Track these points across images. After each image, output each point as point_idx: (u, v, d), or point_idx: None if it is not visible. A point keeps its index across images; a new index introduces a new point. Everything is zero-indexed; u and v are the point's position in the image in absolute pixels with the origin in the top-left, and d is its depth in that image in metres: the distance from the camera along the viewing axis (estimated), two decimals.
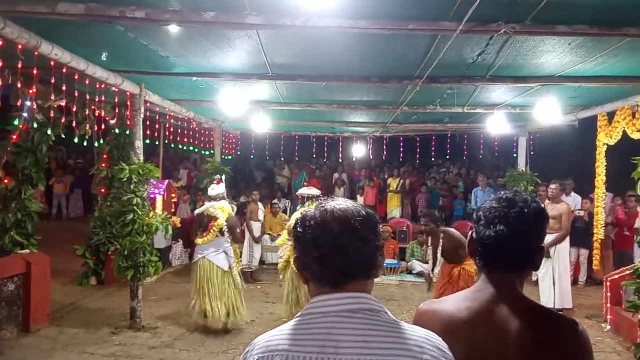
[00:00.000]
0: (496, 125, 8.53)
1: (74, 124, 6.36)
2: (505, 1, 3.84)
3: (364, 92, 7.68)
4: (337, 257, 1.18)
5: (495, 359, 1.42)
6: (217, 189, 6.59)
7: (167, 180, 10.32)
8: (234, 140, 13.56)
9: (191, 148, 11.85)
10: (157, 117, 9.60)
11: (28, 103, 5.74)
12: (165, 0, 4.10)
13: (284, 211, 11.31)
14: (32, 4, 3.98)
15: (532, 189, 9.74)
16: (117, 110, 7.21)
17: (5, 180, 6.47)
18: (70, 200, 14.96)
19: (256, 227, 9.65)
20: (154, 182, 7.89)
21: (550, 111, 6.87)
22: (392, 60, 5.75)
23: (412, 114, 9.37)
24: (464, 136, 12.56)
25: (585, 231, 8.73)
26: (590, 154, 7.96)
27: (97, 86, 6.02)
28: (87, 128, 6.74)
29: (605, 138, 7.48)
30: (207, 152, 12.04)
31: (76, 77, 5.55)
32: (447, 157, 14.55)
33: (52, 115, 6.01)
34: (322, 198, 5.78)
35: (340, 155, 13.63)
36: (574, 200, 9.51)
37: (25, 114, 5.91)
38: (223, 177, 7.41)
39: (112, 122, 7.40)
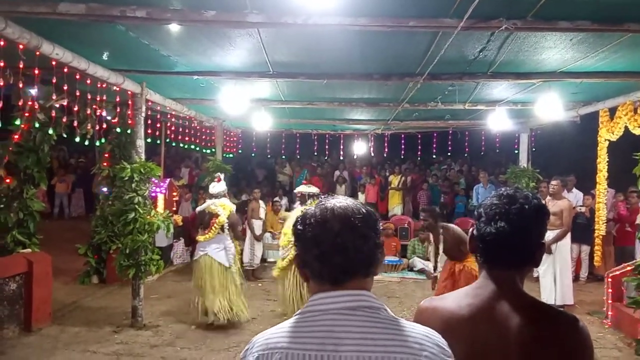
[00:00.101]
0: (498, 122, 8.52)
1: (75, 123, 6.36)
2: None
3: (365, 89, 7.67)
4: (337, 255, 1.19)
5: (496, 355, 1.42)
6: (218, 186, 6.63)
7: (168, 179, 10.33)
8: (235, 139, 13.57)
9: (192, 147, 11.86)
10: (158, 116, 9.62)
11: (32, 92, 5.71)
12: (166, 0, 4.10)
13: (286, 209, 11.32)
14: (33, 5, 3.99)
15: (534, 185, 9.73)
16: (118, 110, 7.21)
17: (7, 180, 6.49)
18: (72, 200, 14.99)
19: (257, 225, 9.66)
20: (156, 181, 7.90)
21: (551, 107, 6.86)
22: (393, 57, 5.74)
23: (413, 111, 9.36)
24: (465, 133, 12.55)
25: (586, 227, 8.72)
26: (592, 150, 7.95)
27: (99, 86, 6.03)
28: (89, 127, 6.75)
29: (607, 134, 7.46)
30: (208, 151, 12.05)
31: (77, 76, 5.56)
32: (449, 154, 14.54)
33: (53, 114, 6.02)
34: (320, 196, 5.83)
35: (341, 152, 13.63)
36: (575, 196, 9.50)
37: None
38: (222, 175, 7.43)
39: (114, 121, 7.40)
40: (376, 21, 4.21)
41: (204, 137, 11.80)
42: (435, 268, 6.00)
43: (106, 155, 8.45)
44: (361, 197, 13.34)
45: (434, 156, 15.35)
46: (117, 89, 6.28)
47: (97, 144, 7.83)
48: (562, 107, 7.24)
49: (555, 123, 8.84)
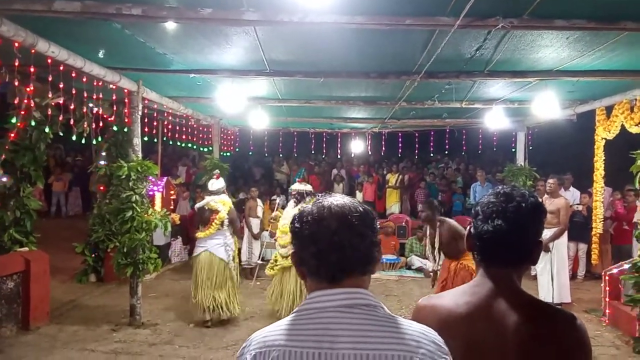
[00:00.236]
0: (495, 120, 8.53)
1: (71, 121, 6.35)
2: None
3: (362, 88, 7.67)
4: (334, 253, 1.19)
5: (494, 353, 1.42)
6: (217, 183, 6.68)
7: (165, 178, 10.31)
8: (232, 137, 13.55)
9: (190, 145, 11.84)
10: (155, 114, 9.59)
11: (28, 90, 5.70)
12: None
13: (282, 207, 11.31)
14: (29, 2, 3.97)
15: (531, 183, 9.75)
16: (115, 108, 7.20)
17: (4, 179, 6.47)
18: (69, 198, 14.96)
19: (255, 223, 9.65)
20: (153, 180, 7.88)
21: (548, 106, 6.87)
22: (390, 56, 5.74)
23: (410, 110, 9.36)
24: (462, 131, 12.55)
25: (584, 226, 8.74)
26: (589, 149, 7.97)
27: (95, 84, 6.01)
28: (85, 126, 6.73)
29: (604, 132, 7.48)
30: (205, 149, 12.03)
31: (73, 74, 5.54)
32: (446, 152, 14.56)
33: (49, 113, 6.00)
34: (313, 193, 5.83)
35: (339, 151, 13.63)
36: (572, 194, 9.52)
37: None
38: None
39: (110, 119, 7.38)
40: (373, 19, 4.21)
41: (201, 135, 11.78)
42: (435, 261, 6.00)
43: (103, 153, 8.43)
44: (359, 195, 13.35)
45: (432, 154, 15.36)
46: (114, 87, 6.26)
47: (94, 142, 7.80)
48: (559, 106, 7.25)
49: (552, 121, 8.86)
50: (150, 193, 8.49)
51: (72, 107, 6.02)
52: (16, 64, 4.63)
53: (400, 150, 13.71)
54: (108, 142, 8.39)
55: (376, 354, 1.12)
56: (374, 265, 1.25)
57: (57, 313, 6.67)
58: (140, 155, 6.67)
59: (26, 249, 6.48)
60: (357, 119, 11.12)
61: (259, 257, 9.58)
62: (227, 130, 12.63)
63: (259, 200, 9.95)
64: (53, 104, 6.05)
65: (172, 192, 10.65)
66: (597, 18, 4.22)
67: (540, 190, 8.53)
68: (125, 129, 7.39)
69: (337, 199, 1.26)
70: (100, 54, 5.58)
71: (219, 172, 7.45)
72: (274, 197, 11.01)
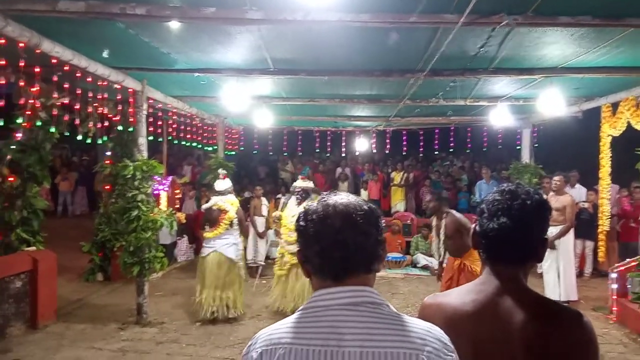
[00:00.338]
0: (500, 118, 8.50)
1: (77, 121, 6.37)
2: None
3: (366, 86, 7.66)
4: (338, 251, 1.19)
5: (500, 351, 1.42)
6: (224, 183, 6.72)
7: (171, 177, 10.34)
8: (237, 136, 13.56)
9: (194, 144, 11.85)
10: (159, 114, 9.60)
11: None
12: None
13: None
14: (33, 2, 3.99)
15: (537, 181, 9.71)
16: (119, 108, 7.22)
17: (11, 179, 6.51)
18: (75, 198, 15.02)
19: (260, 222, 9.67)
20: (158, 179, 7.91)
21: (553, 103, 6.84)
22: (394, 53, 5.72)
23: (415, 108, 9.34)
24: (467, 129, 12.53)
25: (590, 223, 8.70)
26: (594, 146, 7.93)
27: (100, 84, 6.04)
28: (90, 126, 6.76)
29: (610, 129, 7.45)
30: (210, 148, 12.05)
31: (78, 74, 5.57)
32: (451, 150, 14.51)
33: (55, 113, 6.03)
34: (317, 190, 5.88)
35: (343, 149, 13.61)
36: (578, 192, 9.48)
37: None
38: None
39: (115, 119, 7.41)
40: (377, 17, 4.20)
41: (205, 134, 11.79)
42: (439, 255, 6.00)
43: (108, 153, 8.47)
44: (364, 194, 13.33)
45: (436, 152, 15.30)
46: (118, 86, 6.29)
47: (99, 142, 7.84)
48: (564, 103, 7.21)
49: (557, 118, 8.82)
50: (156, 192, 8.52)
51: (77, 107, 6.04)
52: (21, 64, 4.65)
53: (405, 148, 13.68)
54: (113, 141, 8.42)
55: (382, 351, 1.12)
56: (378, 263, 1.25)
57: (65, 312, 6.71)
58: (145, 154, 6.69)
59: (33, 248, 6.53)
60: (361, 117, 11.11)
61: (265, 256, 9.61)
62: (232, 129, 12.65)
63: (263, 199, 9.96)
64: (58, 104, 6.08)
65: (177, 191, 10.68)
66: (602, 15, 4.20)
67: (546, 187, 8.49)
68: (130, 129, 7.43)
69: (342, 197, 1.26)
70: (105, 54, 5.60)
71: (225, 172, 7.47)
72: (279, 195, 11.02)
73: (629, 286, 6.54)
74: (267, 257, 9.94)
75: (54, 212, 13.51)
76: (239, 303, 6.52)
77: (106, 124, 7.16)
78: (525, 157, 10.49)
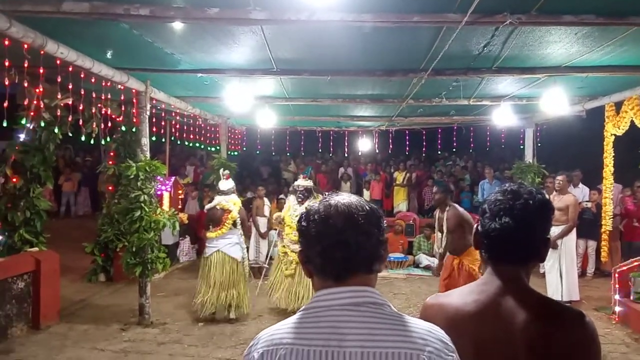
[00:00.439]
0: (503, 117, 8.48)
1: (80, 122, 6.39)
2: None
3: (369, 85, 7.66)
4: (339, 252, 1.19)
5: (502, 351, 1.42)
6: (228, 183, 6.75)
7: (173, 177, 10.35)
8: (239, 136, 13.58)
9: (197, 144, 11.88)
10: (163, 114, 9.63)
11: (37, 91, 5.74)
12: None
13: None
14: (37, 3, 4.00)
15: (540, 180, 9.69)
16: (123, 108, 7.23)
17: (14, 179, 6.53)
18: (78, 198, 15.06)
19: (262, 222, 9.68)
20: (161, 179, 7.92)
21: (557, 102, 6.82)
22: (397, 53, 5.72)
23: (417, 107, 9.34)
24: (470, 129, 12.51)
25: (593, 223, 8.68)
26: (598, 145, 7.91)
27: (103, 84, 6.05)
28: (94, 126, 6.77)
29: (613, 128, 7.42)
30: (213, 149, 12.07)
31: (82, 75, 5.58)
32: (454, 150, 14.51)
33: (59, 113, 6.05)
34: (319, 190, 5.93)
35: (346, 149, 13.62)
36: (582, 191, 9.45)
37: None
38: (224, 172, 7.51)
39: (119, 119, 7.42)
40: (380, 17, 4.20)
41: (208, 134, 11.81)
42: (439, 247, 6.02)
43: (111, 153, 8.49)
44: (366, 194, 13.33)
45: (439, 152, 15.31)
46: (122, 87, 6.30)
47: (103, 142, 7.85)
48: (568, 102, 7.20)
49: (560, 118, 8.80)
50: (159, 193, 8.54)
51: (81, 107, 6.06)
52: (25, 65, 4.66)
53: (407, 148, 13.68)
54: (116, 142, 8.44)
55: (383, 352, 1.12)
56: (380, 263, 1.25)
57: (67, 312, 6.73)
58: (148, 155, 6.70)
59: (36, 249, 6.54)
60: (364, 117, 11.11)
61: (267, 256, 9.61)
62: (235, 129, 12.66)
63: (266, 200, 9.97)
64: (62, 104, 6.10)
65: (180, 191, 10.69)
66: (606, 13, 4.19)
67: (549, 187, 8.48)
68: (134, 129, 7.43)
69: (344, 197, 1.26)
70: (109, 55, 5.62)
71: (228, 172, 7.49)
72: (282, 196, 11.03)
73: (632, 286, 6.52)
74: (271, 258, 9.94)
75: (57, 212, 13.55)
76: (244, 302, 6.53)
77: (109, 124, 7.17)
78: (528, 156, 10.47)
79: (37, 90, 5.50)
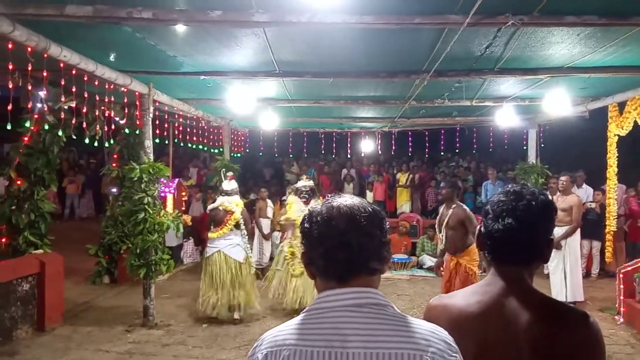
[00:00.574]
0: (505, 118, 8.47)
1: (84, 125, 6.41)
2: None
3: (371, 87, 7.66)
4: (342, 253, 1.20)
5: (506, 352, 1.42)
6: (231, 184, 6.76)
7: (177, 179, 10.38)
8: (242, 138, 13.60)
9: (200, 147, 11.90)
10: (166, 117, 9.66)
11: (41, 93, 5.75)
12: (172, 0, 4.12)
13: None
14: (41, 7, 4.02)
15: (543, 181, 9.67)
16: (126, 111, 7.26)
17: (18, 182, 6.56)
18: (82, 201, 15.10)
19: (265, 224, 9.69)
20: (165, 181, 7.95)
21: (560, 103, 6.81)
22: (399, 55, 5.73)
23: (420, 109, 9.33)
24: (473, 130, 12.48)
25: (597, 223, 8.66)
26: (601, 146, 7.89)
27: (106, 87, 6.07)
28: (97, 129, 6.80)
29: (617, 129, 7.41)
30: (216, 151, 12.09)
31: (85, 78, 5.60)
32: (457, 151, 14.47)
33: (62, 116, 6.07)
34: (312, 188, 5.99)
35: (349, 151, 13.60)
36: (585, 192, 9.44)
37: (38, 105, 5.94)
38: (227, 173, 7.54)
39: (122, 122, 7.45)
40: (382, 19, 4.21)
41: (211, 137, 11.83)
42: (442, 242, 6.02)
43: (115, 156, 8.51)
44: (369, 195, 13.33)
45: (442, 153, 15.28)
46: (125, 90, 6.32)
47: (106, 145, 7.88)
48: (571, 103, 7.18)
49: (563, 118, 8.77)
50: (162, 195, 8.56)
51: (84, 110, 6.08)
52: (29, 68, 4.69)
53: (410, 149, 13.67)
54: (120, 144, 8.46)
55: (386, 352, 1.12)
56: (383, 265, 1.25)
57: (72, 314, 6.75)
58: (151, 157, 6.72)
59: (41, 251, 6.57)
60: (366, 118, 11.11)
61: (270, 258, 9.62)
62: (238, 131, 12.68)
63: (269, 201, 9.99)
64: (66, 107, 6.12)
65: (183, 193, 10.72)
66: (608, 14, 4.18)
67: (552, 187, 8.47)
68: (137, 132, 7.46)
69: (347, 199, 1.27)
70: (112, 58, 5.63)
71: (232, 173, 7.52)
72: (284, 197, 11.04)
73: (637, 286, 6.50)
74: (270, 259, 9.95)
75: (61, 215, 13.59)
76: (253, 303, 6.53)
77: (113, 127, 7.19)
78: (531, 157, 10.44)
79: (41, 93, 5.52)
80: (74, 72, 5.25)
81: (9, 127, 5.18)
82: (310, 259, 1.26)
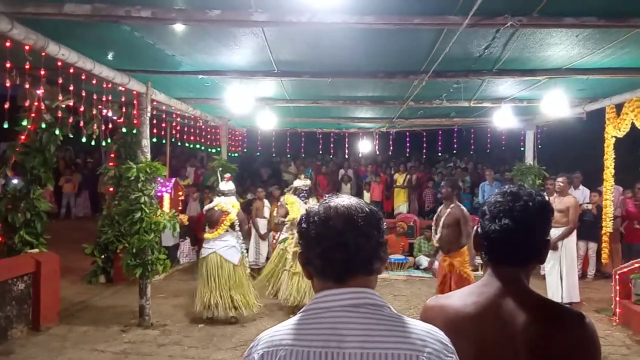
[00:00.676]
0: (503, 119, 8.48)
1: (81, 123, 6.40)
2: None
3: (369, 87, 7.66)
4: (339, 253, 1.20)
5: (502, 353, 1.42)
6: (229, 185, 6.76)
7: (174, 179, 10.36)
8: (240, 138, 13.59)
9: (198, 146, 11.89)
10: (163, 116, 9.64)
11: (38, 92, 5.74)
12: (170, 0, 4.11)
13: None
14: (39, 5, 4.01)
15: (540, 182, 9.69)
16: (124, 110, 7.24)
17: (15, 181, 6.53)
18: (78, 200, 15.06)
19: (262, 224, 9.68)
20: (161, 181, 7.93)
21: (557, 104, 6.83)
22: (398, 55, 5.73)
23: (418, 109, 9.34)
24: (470, 130, 12.50)
25: (593, 224, 8.68)
26: (599, 147, 7.91)
27: (104, 86, 6.06)
28: (95, 128, 6.78)
29: (614, 130, 7.43)
30: (213, 150, 12.08)
31: (83, 77, 5.59)
32: (454, 151, 14.51)
33: (59, 115, 6.05)
34: (310, 187, 6.04)
35: (346, 151, 13.61)
36: (582, 193, 9.45)
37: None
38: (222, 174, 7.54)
39: (119, 121, 7.43)
40: (381, 19, 4.21)
41: (209, 136, 11.83)
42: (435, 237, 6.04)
43: (112, 155, 8.49)
44: (366, 195, 13.34)
45: (440, 154, 15.31)
46: (123, 89, 6.31)
47: (103, 144, 7.86)
48: (568, 104, 7.20)
49: (561, 120, 8.80)
50: (159, 194, 8.55)
51: (81, 109, 6.06)
52: (27, 66, 4.67)
53: (408, 150, 13.67)
54: (117, 143, 8.44)
55: (382, 352, 1.12)
56: (380, 265, 1.25)
57: (67, 314, 6.72)
58: (148, 156, 6.71)
59: (36, 250, 6.54)
60: (364, 118, 11.11)
61: (266, 258, 9.61)
62: (235, 131, 12.67)
63: (266, 201, 9.98)
64: (63, 106, 6.09)
65: (180, 193, 10.70)
66: (607, 15, 4.19)
67: (549, 189, 8.49)
68: (134, 131, 7.44)
69: (344, 199, 1.27)
70: (110, 56, 5.62)
71: (229, 174, 7.52)
72: (282, 197, 11.04)
73: (633, 288, 6.52)
74: (266, 259, 9.95)
75: (57, 214, 13.55)
76: (249, 303, 6.52)
77: (110, 126, 7.17)
78: (529, 158, 10.46)
79: (39, 91, 5.50)
80: (71, 70, 5.24)
81: (5, 126, 5.17)
82: (307, 259, 1.26)
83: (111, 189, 8.55)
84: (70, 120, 6.22)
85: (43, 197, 6.91)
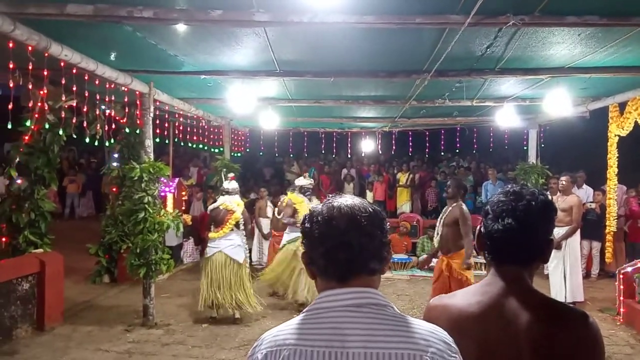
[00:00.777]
0: (506, 118, 8.47)
1: (84, 124, 6.42)
2: None
3: (372, 87, 7.66)
4: (342, 253, 1.20)
5: (506, 352, 1.42)
6: (233, 184, 6.77)
7: (177, 179, 10.38)
8: (243, 138, 13.61)
9: (201, 146, 11.91)
10: (166, 116, 9.66)
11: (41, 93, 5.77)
12: (172, 0, 4.12)
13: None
14: (42, 6, 4.02)
15: (543, 181, 9.67)
16: (127, 110, 7.26)
17: (19, 181, 6.55)
18: (82, 200, 15.11)
19: (265, 223, 9.69)
20: (165, 181, 7.95)
21: (560, 103, 6.81)
22: (400, 54, 5.73)
23: (420, 108, 9.33)
24: (473, 130, 12.49)
25: (597, 224, 8.66)
26: (602, 146, 7.89)
27: (107, 86, 6.07)
28: (98, 128, 6.79)
29: (617, 129, 7.41)
30: (216, 150, 12.09)
31: (86, 77, 5.60)
32: (457, 151, 14.49)
33: (63, 115, 6.07)
34: (311, 186, 6.06)
35: (349, 151, 13.61)
36: (585, 192, 9.43)
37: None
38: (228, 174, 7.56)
39: (122, 121, 7.45)
40: (382, 18, 4.21)
41: (212, 136, 11.84)
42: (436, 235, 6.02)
43: (115, 155, 8.52)
44: (369, 195, 13.33)
45: (442, 153, 15.30)
46: (125, 89, 6.32)
47: (107, 144, 7.88)
48: (571, 103, 7.18)
49: (564, 119, 8.77)
50: (162, 194, 8.56)
51: (85, 109, 6.08)
52: (30, 67, 4.69)
53: (410, 149, 13.67)
54: (120, 143, 8.46)
55: (386, 352, 1.12)
56: (383, 265, 1.26)
57: (71, 313, 6.75)
58: (152, 156, 6.72)
59: (41, 250, 6.57)
60: (367, 118, 11.11)
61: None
62: (238, 131, 12.69)
63: (268, 201, 9.98)
64: (66, 106, 6.12)
65: (183, 193, 10.72)
66: (609, 14, 4.18)
67: (552, 188, 8.47)
68: (137, 131, 7.46)
69: (347, 199, 1.27)
70: (112, 57, 5.64)
71: (233, 174, 7.54)
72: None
73: (637, 287, 6.50)
74: None
75: (61, 214, 13.60)
76: (251, 302, 6.53)
77: (113, 126, 7.19)
78: (532, 157, 10.44)
79: (42, 92, 5.52)
80: (74, 71, 5.25)
81: (9, 126, 5.18)
82: (310, 258, 1.26)
83: (115, 189, 8.58)
84: (74, 120, 6.24)
85: (47, 197, 6.94)
